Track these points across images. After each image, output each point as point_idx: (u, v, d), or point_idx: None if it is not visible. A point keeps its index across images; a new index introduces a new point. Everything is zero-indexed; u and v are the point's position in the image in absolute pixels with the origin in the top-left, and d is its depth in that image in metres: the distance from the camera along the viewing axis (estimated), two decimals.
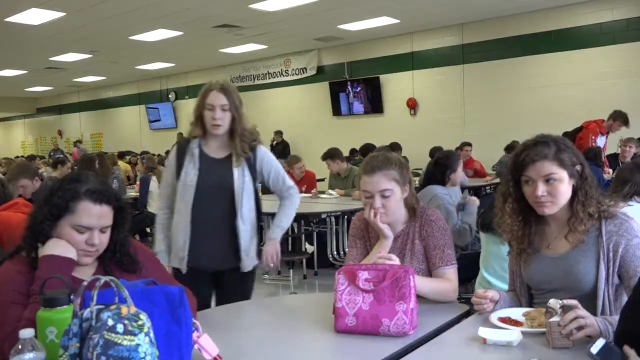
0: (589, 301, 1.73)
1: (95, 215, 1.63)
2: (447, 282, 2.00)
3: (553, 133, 1.85)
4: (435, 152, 7.51)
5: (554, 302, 1.53)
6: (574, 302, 1.51)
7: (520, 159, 1.77)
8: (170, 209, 2.65)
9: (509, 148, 7.72)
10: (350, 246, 2.23)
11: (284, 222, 2.71)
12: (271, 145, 12.37)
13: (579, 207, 1.76)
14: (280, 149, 12.10)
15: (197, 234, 2.55)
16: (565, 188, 1.75)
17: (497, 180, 7.42)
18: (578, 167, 1.77)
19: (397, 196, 2.05)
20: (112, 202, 1.67)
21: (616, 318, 1.50)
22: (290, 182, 2.74)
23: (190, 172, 2.54)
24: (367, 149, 7.80)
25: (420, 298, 1.81)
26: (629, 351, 1.26)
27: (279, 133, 12.63)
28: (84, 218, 1.61)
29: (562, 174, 1.74)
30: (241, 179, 2.55)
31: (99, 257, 1.73)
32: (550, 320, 1.50)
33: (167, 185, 2.68)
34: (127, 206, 1.77)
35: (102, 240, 1.66)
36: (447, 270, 2.02)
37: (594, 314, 1.72)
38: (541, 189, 1.73)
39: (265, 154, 2.66)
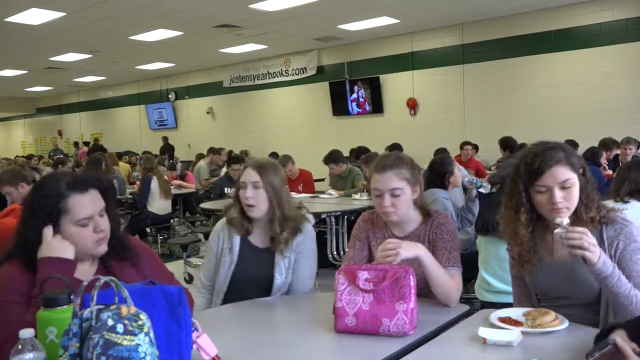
0: (593, 308, 1.73)
1: (89, 204, 1.63)
2: (453, 280, 2.00)
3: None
4: (439, 154, 7.49)
5: (560, 220, 1.65)
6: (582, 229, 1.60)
7: (535, 167, 1.72)
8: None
9: (505, 145, 7.68)
10: (349, 246, 2.23)
11: None
12: None
13: (582, 209, 1.75)
14: None
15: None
16: (576, 191, 1.74)
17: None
18: (581, 170, 1.77)
19: (407, 195, 2.06)
20: (96, 185, 1.67)
21: (623, 279, 1.61)
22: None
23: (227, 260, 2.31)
24: (361, 151, 7.75)
25: (420, 298, 1.81)
26: (627, 350, 1.26)
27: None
28: (80, 211, 1.61)
29: (575, 178, 1.73)
30: (283, 275, 2.25)
31: None
32: (555, 231, 1.63)
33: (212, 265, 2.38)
34: (110, 183, 1.77)
35: (105, 223, 1.67)
36: (452, 270, 2.01)
37: (598, 320, 1.73)
38: (558, 195, 1.70)
39: (301, 242, 2.28)
